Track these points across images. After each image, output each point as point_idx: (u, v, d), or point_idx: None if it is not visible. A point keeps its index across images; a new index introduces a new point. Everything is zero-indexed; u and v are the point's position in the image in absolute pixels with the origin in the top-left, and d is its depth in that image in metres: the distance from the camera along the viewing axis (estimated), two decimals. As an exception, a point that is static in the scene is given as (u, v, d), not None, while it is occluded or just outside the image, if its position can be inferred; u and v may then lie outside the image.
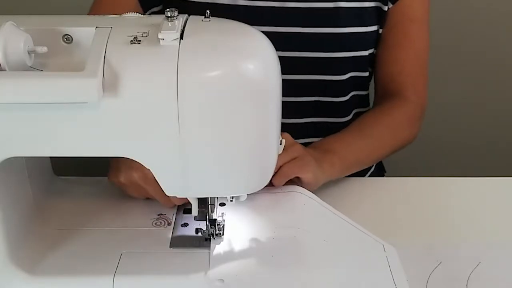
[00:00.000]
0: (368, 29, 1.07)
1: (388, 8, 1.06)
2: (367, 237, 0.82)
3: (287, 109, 0.89)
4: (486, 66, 1.73)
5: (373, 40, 1.09)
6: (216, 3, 1.00)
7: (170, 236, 0.78)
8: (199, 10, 0.71)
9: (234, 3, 1.03)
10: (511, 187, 0.99)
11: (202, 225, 0.78)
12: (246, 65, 0.65)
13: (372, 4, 1.06)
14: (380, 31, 1.09)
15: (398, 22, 1.07)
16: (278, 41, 0.70)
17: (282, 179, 0.85)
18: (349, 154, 0.96)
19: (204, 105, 0.64)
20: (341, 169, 0.94)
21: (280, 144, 0.73)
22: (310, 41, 1.05)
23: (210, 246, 0.76)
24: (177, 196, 0.76)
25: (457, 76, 1.73)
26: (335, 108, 1.12)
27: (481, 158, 1.79)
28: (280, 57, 0.70)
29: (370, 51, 1.10)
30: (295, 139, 0.92)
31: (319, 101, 1.11)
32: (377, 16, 1.07)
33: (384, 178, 1.20)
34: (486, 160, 1.78)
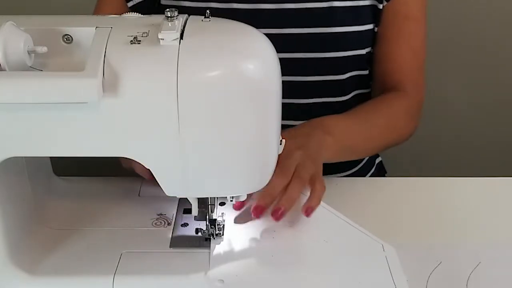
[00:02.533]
0: (364, 28, 1.07)
1: (383, 6, 1.06)
2: (367, 237, 0.82)
3: (289, 111, 0.89)
4: (486, 65, 1.73)
5: (370, 38, 1.09)
6: (211, 7, 1.00)
7: (170, 236, 0.78)
8: (195, 15, 0.71)
9: (229, 7, 1.03)
10: (511, 187, 0.99)
11: (202, 225, 0.79)
12: (246, 65, 0.65)
13: (367, 2, 1.06)
14: (376, 29, 1.09)
15: (393, 19, 1.07)
16: (274, 43, 0.70)
17: (290, 204, 0.80)
18: (346, 138, 0.96)
19: (204, 105, 0.64)
20: (335, 152, 0.94)
21: (280, 144, 0.73)
22: (306, 42, 1.05)
23: (210, 246, 0.76)
24: (178, 196, 0.76)
25: (457, 75, 1.73)
26: (338, 108, 1.12)
27: (481, 158, 1.79)
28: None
29: (368, 49, 1.10)
30: None
31: (320, 102, 1.10)
32: (373, 14, 1.07)
33: (384, 178, 1.20)
34: (486, 160, 1.78)
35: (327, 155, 0.91)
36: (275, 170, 0.80)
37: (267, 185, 0.79)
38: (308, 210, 0.78)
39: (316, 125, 0.94)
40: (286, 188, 0.81)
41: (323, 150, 0.90)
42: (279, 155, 0.79)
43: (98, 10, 1.10)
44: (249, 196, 0.79)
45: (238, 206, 0.80)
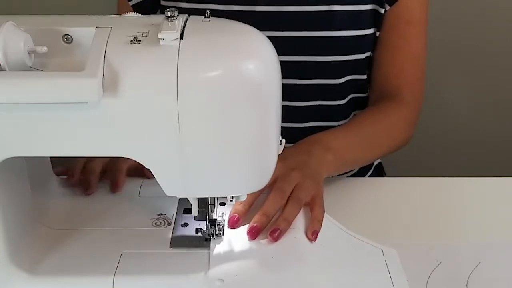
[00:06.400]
0: (364, 32, 1.07)
1: (385, 10, 1.06)
2: (366, 244, 0.82)
3: (285, 114, 0.88)
4: (486, 65, 1.73)
5: (370, 43, 1.09)
6: (210, 9, 1.00)
7: (170, 236, 0.78)
8: None
9: (228, 9, 1.03)
10: (511, 187, 0.99)
11: (202, 225, 0.78)
12: (246, 65, 0.65)
13: (368, 6, 1.06)
14: (377, 33, 1.08)
15: (395, 24, 1.07)
16: (273, 45, 0.70)
17: (287, 225, 0.79)
18: (346, 153, 0.95)
19: (204, 105, 0.64)
20: (336, 168, 0.94)
21: (280, 144, 0.73)
22: (305, 45, 1.05)
23: (210, 246, 0.76)
24: (178, 196, 0.76)
25: (457, 75, 1.73)
26: (334, 112, 1.12)
27: (481, 158, 1.79)
28: None
29: (367, 54, 1.09)
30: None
31: (316, 105, 1.10)
32: (374, 18, 1.07)
33: (384, 178, 1.20)
34: (486, 160, 1.78)
35: (327, 172, 0.91)
36: (271, 191, 0.81)
37: (262, 206, 0.80)
38: (314, 235, 0.79)
39: (315, 141, 0.94)
40: (282, 209, 0.81)
41: (323, 168, 0.90)
42: (276, 175, 0.79)
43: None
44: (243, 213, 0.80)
45: (232, 223, 0.79)
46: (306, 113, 1.10)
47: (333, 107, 1.11)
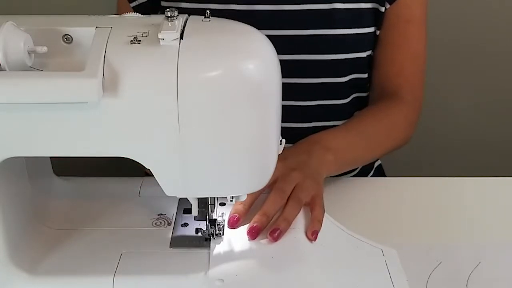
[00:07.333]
0: (365, 31, 1.07)
1: (385, 9, 1.06)
2: (366, 244, 0.82)
3: (288, 114, 0.89)
4: (486, 65, 1.73)
5: (370, 41, 1.09)
6: (210, 8, 1.00)
7: (170, 236, 0.78)
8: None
9: (227, 8, 1.03)
10: (511, 187, 0.99)
11: (202, 225, 0.79)
12: (246, 65, 0.66)
13: (368, 5, 1.06)
14: (377, 32, 1.08)
15: (395, 23, 1.07)
16: (273, 44, 0.70)
17: (287, 225, 0.79)
18: (346, 152, 0.95)
19: (204, 105, 0.64)
20: (336, 168, 0.94)
21: (280, 144, 0.73)
22: (306, 44, 1.05)
23: (210, 246, 0.76)
24: (178, 196, 0.76)
25: (457, 75, 1.73)
26: (337, 111, 1.12)
27: (481, 158, 1.79)
28: None
29: (368, 52, 1.10)
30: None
31: (319, 104, 1.10)
32: (374, 17, 1.07)
33: (384, 178, 1.20)
34: (486, 160, 1.78)
35: (327, 172, 0.91)
36: (271, 191, 0.81)
37: (262, 206, 0.80)
38: (314, 235, 0.79)
39: (315, 141, 0.93)
40: (282, 209, 0.81)
41: (323, 168, 0.90)
42: (276, 175, 0.79)
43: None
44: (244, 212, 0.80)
45: (232, 223, 0.79)
46: (308, 113, 1.10)
47: (337, 106, 1.11)
